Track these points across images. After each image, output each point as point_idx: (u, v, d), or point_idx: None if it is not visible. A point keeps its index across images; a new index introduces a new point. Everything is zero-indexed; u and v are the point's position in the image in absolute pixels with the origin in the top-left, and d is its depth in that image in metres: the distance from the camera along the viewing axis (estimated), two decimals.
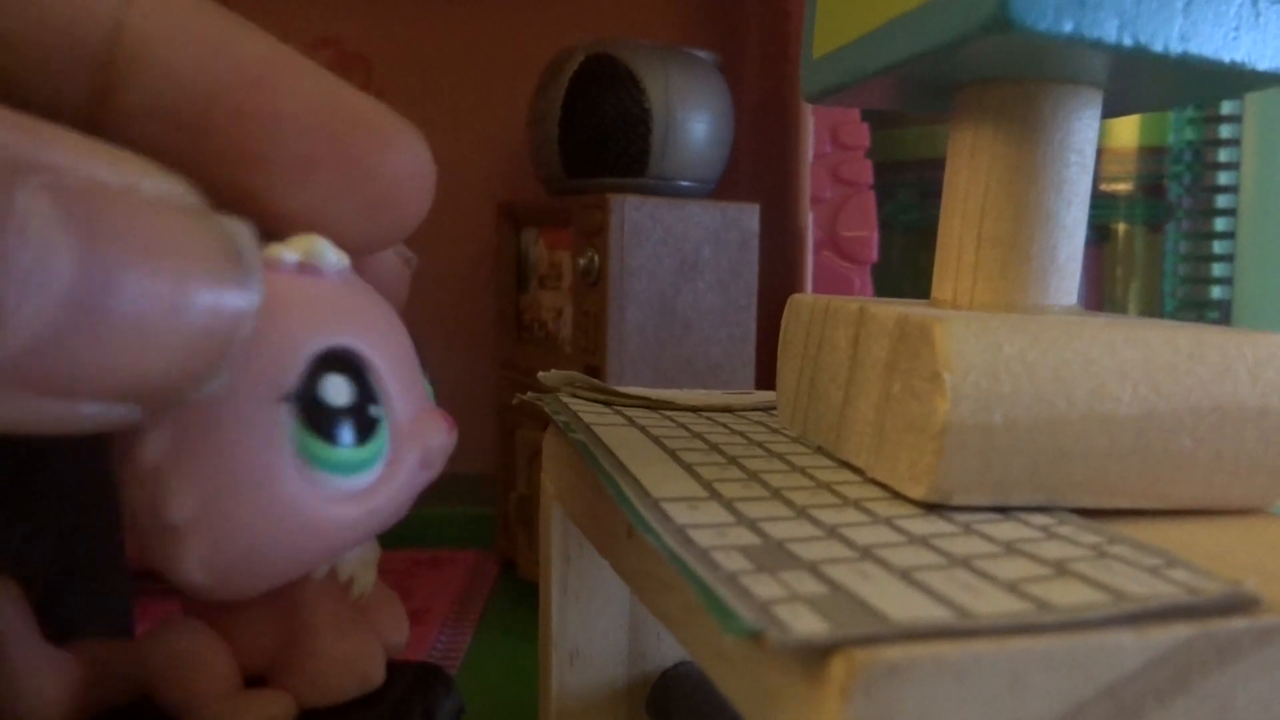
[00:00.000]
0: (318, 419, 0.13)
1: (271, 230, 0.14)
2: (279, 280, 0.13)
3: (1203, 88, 0.16)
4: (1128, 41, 0.13)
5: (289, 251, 0.13)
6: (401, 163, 0.15)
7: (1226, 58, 0.14)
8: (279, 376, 0.13)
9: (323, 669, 0.15)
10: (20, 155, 0.10)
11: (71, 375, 0.10)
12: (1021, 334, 0.13)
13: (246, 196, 0.14)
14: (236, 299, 0.11)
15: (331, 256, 0.14)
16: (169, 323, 0.11)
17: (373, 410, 0.14)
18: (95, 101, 0.14)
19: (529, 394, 0.21)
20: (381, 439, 0.14)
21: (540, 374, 0.22)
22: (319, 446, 0.13)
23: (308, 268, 0.14)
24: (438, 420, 0.15)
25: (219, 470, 0.12)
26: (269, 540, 0.13)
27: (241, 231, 0.11)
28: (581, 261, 0.34)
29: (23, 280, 0.09)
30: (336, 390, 0.13)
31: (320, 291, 0.14)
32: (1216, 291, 0.49)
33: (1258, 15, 0.14)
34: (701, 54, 0.38)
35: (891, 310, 0.15)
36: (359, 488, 0.14)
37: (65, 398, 0.10)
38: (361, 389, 0.14)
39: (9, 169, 0.10)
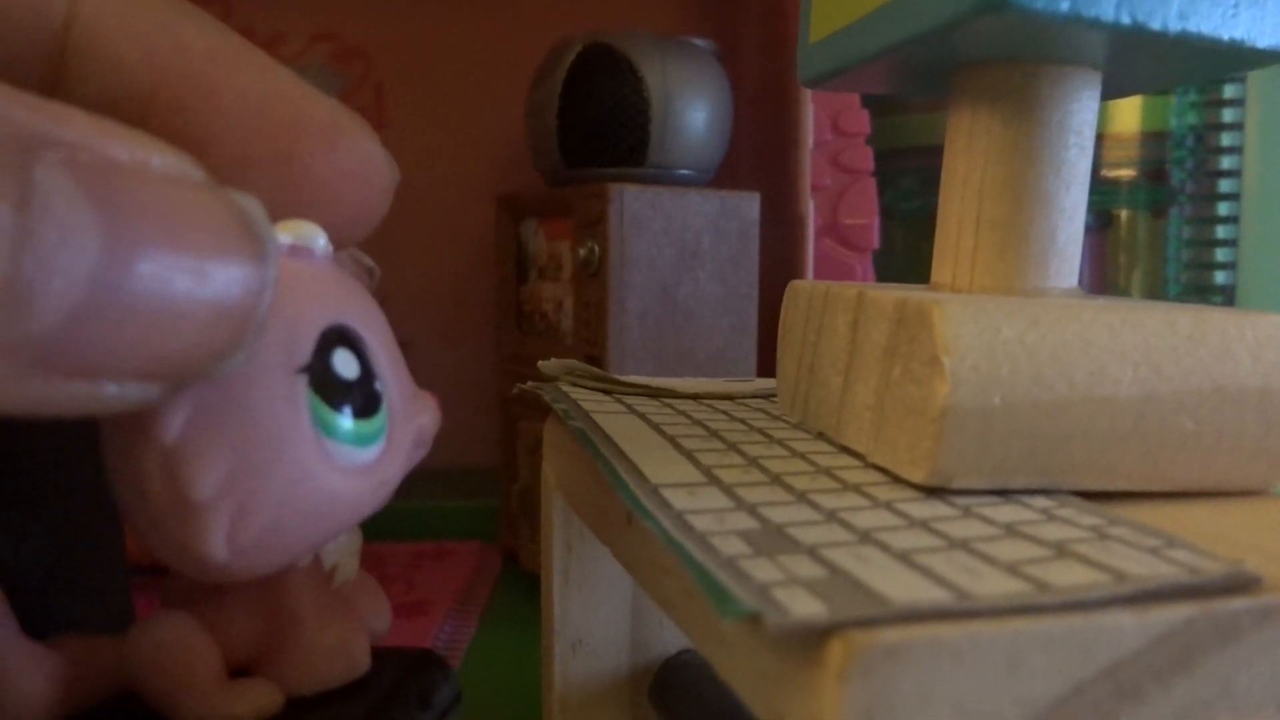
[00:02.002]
0: (331, 391, 0.13)
1: None
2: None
3: (1203, 66, 0.15)
4: (1125, 20, 0.13)
5: (282, 234, 0.14)
6: (346, 165, 0.14)
7: (1226, 35, 0.14)
8: (294, 349, 0.13)
9: (309, 657, 0.15)
10: (36, 130, 0.09)
11: (97, 355, 0.10)
12: (1020, 316, 0.13)
13: None
14: (254, 272, 0.11)
15: (321, 240, 0.14)
16: (190, 298, 0.10)
17: (376, 386, 0.14)
18: (46, 93, 0.14)
19: (529, 383, 0.21)
20: (384, 414, 0.14)
21: (540, 363, 0.22)
22: (334, 417, 0.13)
23: (299, 250, 0.14)
24: (428, 400, 0.15)
25: (243, 443, 0.12)
26: (292, 512, 0.13)
27: (253, 206, 0.11)
28: (581, 252, 0.34)
29: (49, 259, 0.09)
30: (345, 364, 0.14)
31: (314, 273, 0.14)
32: (1220, 277, 0.49)
33: None
34: (700, 42, 0.37)
35: (890, 295, 0.14)
36: (367, 461, 0.14)
37: (89, 378, 0.10)
38: (364, 365, 0.14)
39: (25, 144, 0.09)
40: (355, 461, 0.14)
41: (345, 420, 0.13)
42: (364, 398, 0.14)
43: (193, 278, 0.10)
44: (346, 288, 0.14)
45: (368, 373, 0.14)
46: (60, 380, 0.10)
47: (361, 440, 0.14)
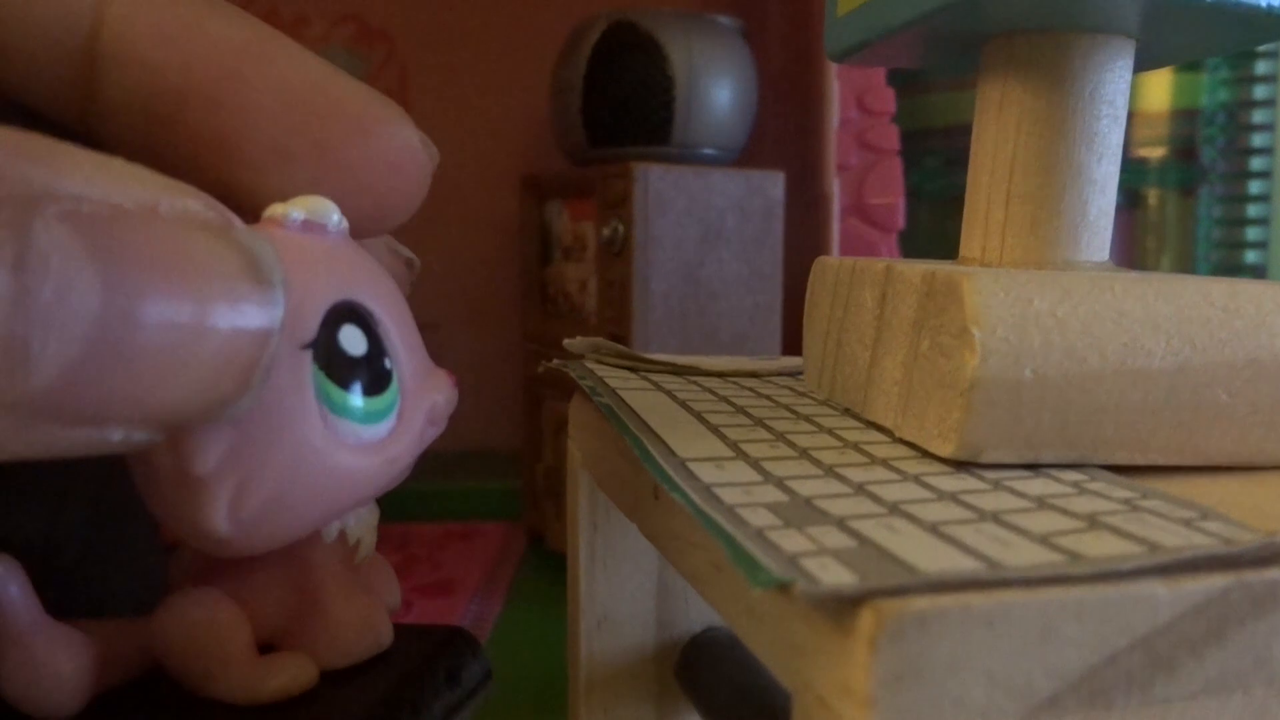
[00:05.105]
0: (337, 368, 0.13)
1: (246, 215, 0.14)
2: (288, 236, 0.13)
3: (1238, 35, 0.15)
4: None
5: (295, 210, 0.14)
6: (381, 152, 0.14)
7: (1264, 1, 0.13)
8: (299, 325, 0.13)
9: (338, 631, 0.15)
10: (35, 185, 0.09)
11: (99, 406, 0.10)
12: (1052, 288, 0.13)
13: (220, 184, 0.14)
14: (258, 318, 0.11)
15: (335, 216, 0.14)
16: (194, 347, 0.10)
17: (386, 363, 0.14)
18: (81, 99, 0.14)
19: (554, 360, 0.21)
20: (394, 391, 0.14)
21: (565, 340, 0.22)
22: (339, 394, 0.13)
23: (312, 226, 0.14)
24: (442, 377, 0.15)
25: (245, 419, 0.12)
26: (295, 488, 0.13)
27: (263, 246, 0.11)
28: (605, 231, 0.34)
29: (46, 317, 0.09)
30: (352, 340, 0.13)
31: (327, 249, 0.14)
32: (1251, 256, 0.48)
33: None
34: (724, 20, 0.37)
35: (918, 268, 0.14)
36: (375, 438, 0.14)
37: (94, 426, 0.10)
38: (373, 342, 0.14)
39: (24, 201, 0.09)
40: (363, 438, 0.14)
41: (352, 397, 0.13)
42: (372, 374, 0.14)
43: (196, 327, 0.10)
44: (360, 263, 0.14)
45: (377, 349, 0.14)
46: (65, 428, 0.10)
47: (370, 417, 0.14)
